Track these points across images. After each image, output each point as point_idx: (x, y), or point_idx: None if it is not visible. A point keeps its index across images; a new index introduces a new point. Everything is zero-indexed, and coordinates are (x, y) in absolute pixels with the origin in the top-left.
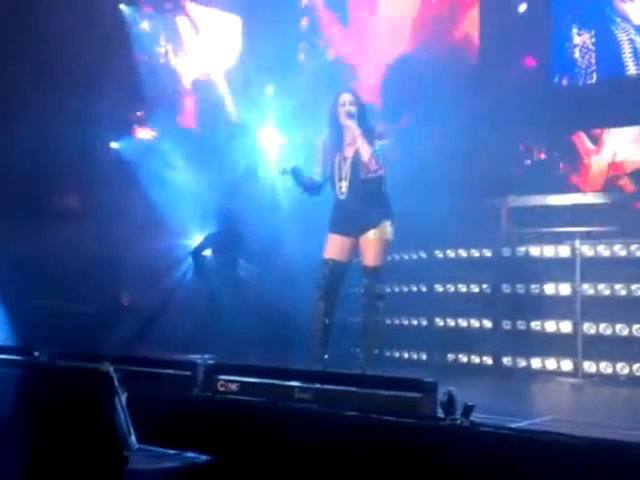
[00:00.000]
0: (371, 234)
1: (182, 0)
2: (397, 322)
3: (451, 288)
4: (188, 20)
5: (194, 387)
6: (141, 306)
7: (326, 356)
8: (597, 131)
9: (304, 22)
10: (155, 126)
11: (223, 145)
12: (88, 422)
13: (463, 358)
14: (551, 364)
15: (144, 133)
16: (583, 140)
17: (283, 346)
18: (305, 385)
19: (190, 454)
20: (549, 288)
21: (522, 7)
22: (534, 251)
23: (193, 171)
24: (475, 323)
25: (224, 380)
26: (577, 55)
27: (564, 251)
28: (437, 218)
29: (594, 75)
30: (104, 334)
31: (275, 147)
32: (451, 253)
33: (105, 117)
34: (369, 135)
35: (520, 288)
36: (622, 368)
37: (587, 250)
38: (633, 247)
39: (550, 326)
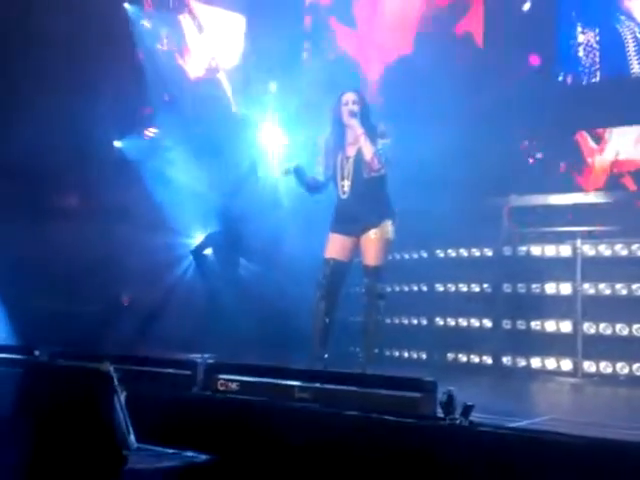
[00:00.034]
0: (372, 233)
1: None
2: (397, 321)
3: (452, 287)
4: (192, 19)
5: (194, 386)
6: (142, 305)
7: (326, 355)
8: (600, 130)
9: (308, 21)
10: (158, 125)
11: (226, 143)
12: (88, 421)
13: (463, 357)
14: (551, 364)
15: (147, 132)
16: (586, 139)
17: (283, 345)
18: (305, 384)
19: (189, 453)
20: (550, 288)
21: (526, 5)
22: (535, 250)
23: (195, 170)
24: (475, 323)
25: (224, 379)
26: (581, 53)
27: (565, 250)
28: (438, 217)
29: (598, 74)
30: (105, 333)
31: (278, 146)
32: (452, 252)
33: (108, 116)
34: (372, 134)
35: (521, 287)
36: (622, 368)
37: (588, 249)
38: (634, 247)
39: (550, 326)
